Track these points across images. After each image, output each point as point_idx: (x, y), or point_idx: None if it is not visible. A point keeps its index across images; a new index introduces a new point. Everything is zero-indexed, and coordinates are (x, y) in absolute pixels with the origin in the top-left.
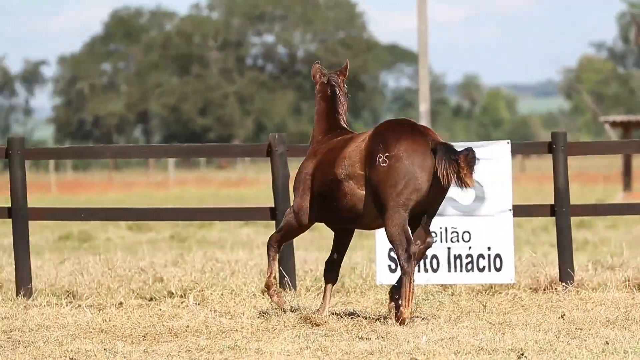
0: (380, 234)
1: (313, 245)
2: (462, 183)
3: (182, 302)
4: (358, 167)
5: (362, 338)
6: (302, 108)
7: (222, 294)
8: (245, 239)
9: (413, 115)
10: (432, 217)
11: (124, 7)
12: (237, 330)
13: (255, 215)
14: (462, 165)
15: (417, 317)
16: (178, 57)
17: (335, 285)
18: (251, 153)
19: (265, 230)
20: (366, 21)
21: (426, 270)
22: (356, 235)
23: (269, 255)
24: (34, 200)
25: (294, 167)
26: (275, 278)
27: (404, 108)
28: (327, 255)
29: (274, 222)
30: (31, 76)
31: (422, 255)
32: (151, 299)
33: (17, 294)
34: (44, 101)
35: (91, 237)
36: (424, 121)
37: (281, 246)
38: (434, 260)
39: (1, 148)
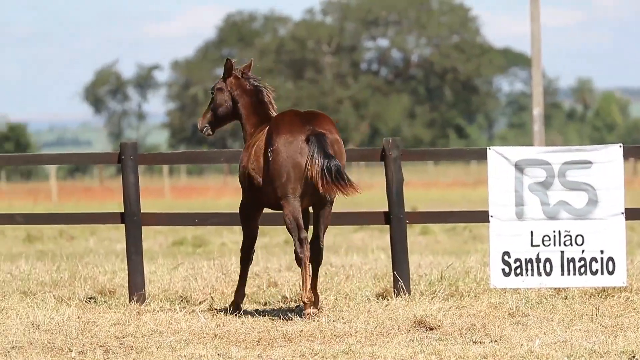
0: (494, 238)
1: (427, 249)
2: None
3: (296, 307)
4: (262, 161)
5: (475, 342)
6: (416, 112)
7: (336, 299)
8: (360, 244)
9: (526, 119)
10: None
11: (238, 12)
12: (351, 334)
13: (369, 220)
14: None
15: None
16: (292, 62)
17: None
18: (365, 157)
19: (380, 234)
20: (480, 25)
21: (539, 274)
22: (469, 240)
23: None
24: (147, 205)
25: (408, 170)
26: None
27: (517, 112)
28: (442, 259)
29: (388, 226)
30: (144, 81)
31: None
32: (265, 304)
33: (130, 299)
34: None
35: (205, 242)
36: (537, 125)
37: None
38: (547, 264)
39: (114, 153)
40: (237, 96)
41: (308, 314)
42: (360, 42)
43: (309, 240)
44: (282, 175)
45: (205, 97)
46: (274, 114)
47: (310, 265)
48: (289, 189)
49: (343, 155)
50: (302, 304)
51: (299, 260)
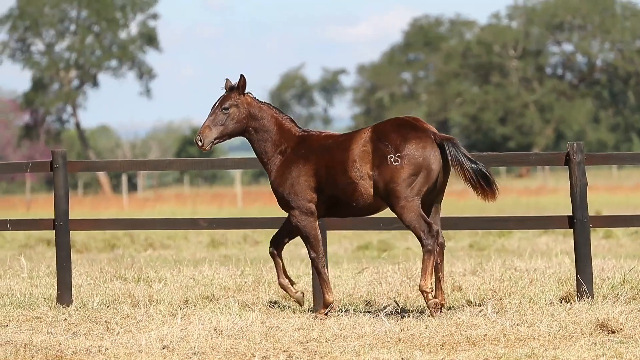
0: None
1: (610, 253)
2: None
3: (480, 311)
4: (368, 168)
5: None
6: (600, 116)
7: (520, 303)
8: (544, 248)
9: None
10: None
11: (424, 16)
12: (534, 338)
13: (553, 224)
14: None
15: None
16: (478, 66)
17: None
18: (549, 161)
19: (564, 238)
20: None
21: None
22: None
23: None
24: None
25: (591, 175)
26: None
27: None
28: (625, 262)
29: (571, 230)
30: (330, 85)
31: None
32: (450, 308)
33: (314, 304)
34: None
35: (391, 247)
36: None
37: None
38: None
39: None
40: (255, 114)
41: (435, 304)
42: (546, 46)
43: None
44: (411, 179)
45: (390, 101)
46: (298, 131)
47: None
48: (416, 191)
49: None
50: (427, 295)
51: (429, 253)
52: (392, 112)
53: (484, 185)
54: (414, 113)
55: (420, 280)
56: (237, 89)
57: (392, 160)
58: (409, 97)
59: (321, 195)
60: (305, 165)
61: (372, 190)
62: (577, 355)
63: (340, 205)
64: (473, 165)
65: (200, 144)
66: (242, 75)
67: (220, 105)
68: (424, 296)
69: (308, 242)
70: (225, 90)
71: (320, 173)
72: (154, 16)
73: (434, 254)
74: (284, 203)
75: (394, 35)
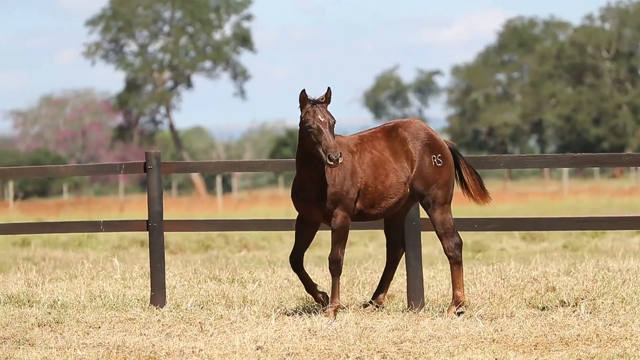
0: None
1: None
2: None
3: (573, 311)
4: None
5: None
6: None
7: (612, 303)
8: (637, 248)
9: None
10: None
11: (518, 17)
12: (626, 338)
13: None
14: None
15: None
16: (572, 67)
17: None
18: None
19: None
20: None
21: None
22: None
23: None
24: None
25: None
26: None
27: None
28: None
29: None
30: (425, 86)
31: None
32: (543, 308)
33: (409, 304)
34: (437, 111)
35: (485, 247)
36: None
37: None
38: None
39: None
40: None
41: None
42: (638, 47)
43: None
44: (450, 181)
45: (485, 102)
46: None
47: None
48: (450, 194)
49: None
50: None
51: (458, 262)
52: (487, 113)
53: (483, 189)
54: (508, 114)
55: (457, 291)
56: (327, 101)
57: (439, 161)
58: (503, 98)
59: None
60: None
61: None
62: None
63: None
64: (473, 170)
65: (340, 160)
66: (329, 88)
67: (333, 119)
68: (459, 306)
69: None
70: (311, 101)
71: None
72: (248, 17)
73: (462, 264)
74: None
75: (488, 37)
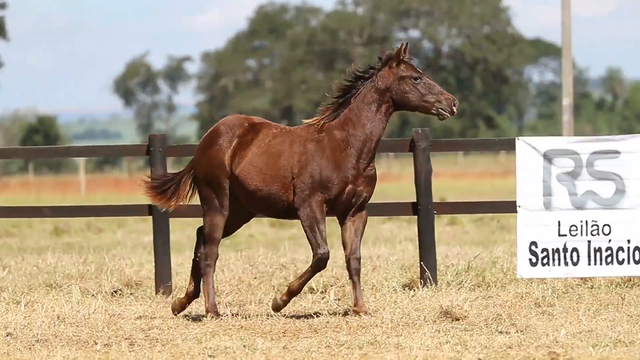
0: (522, 228)
1: (455, 239)
2: None
3: (322, 298)
4: None
5: (501, 332)
6: None
7: (363, 289)
8: (388, 234)
9: (556, 109)
10: None
11: (270, 3)
12: (377, 325)
13: (397, 211)
14: None
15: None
16: (323, 53)
17: None
18: (394, 148)
19: (408, 225)
20: (511, 16)
21: (566, 264)
22: (496, 230)
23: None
24: None
25: (437, 161)
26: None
27: (547, 102)
28: (469, 249)
29: (415, 217)
30: (174, 73)
31: None
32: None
33: (157, 291)
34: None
35: (233, 234)
36: (566, 115)
37: None
38: (574, 254)
39: (143, 145)
40: None
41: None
42: (392, 33)
43: None
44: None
45: (235, 88)
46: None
47: None
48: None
49: None
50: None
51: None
52: (237, 99)
53: None
54: (258, 100)
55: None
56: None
57: None
58: (253, 84)
59: None
60: None
61: None
62: (421, 343)
63: None
64: None
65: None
66: (406, 44)
67: None
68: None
69: None
70: (403, 56)
71: None
72: (2, 5)
73: None
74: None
75: (239, 23)
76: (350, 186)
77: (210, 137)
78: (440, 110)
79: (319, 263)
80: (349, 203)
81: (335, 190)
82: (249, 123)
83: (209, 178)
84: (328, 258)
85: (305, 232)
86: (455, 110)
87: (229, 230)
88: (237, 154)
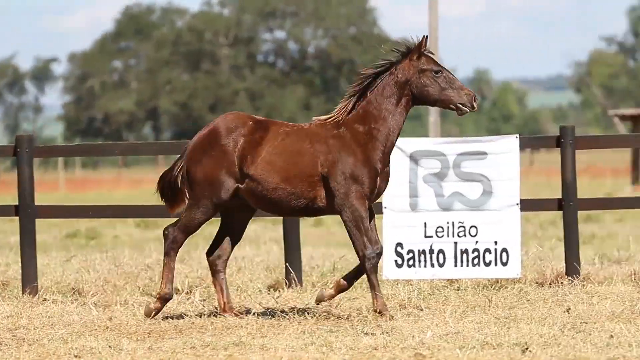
0: (387, 230)
1: (321, 240)
2: None
3: (187, 299)
4: None
5: (367, 333)
6: (311, 103)
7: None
8: (253, 235)
9: (423, 110)
10: None
11: (136, 4)
12: (242, 326)
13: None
14: None
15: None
16: (189, 54)
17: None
18: None
19: (273, 226)
20: (377, 17)
21: (432, 265)
22: None
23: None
24: (42, 198)
25: None
26: None
27: None
28: (335, 250)
29: (280, 218)
30: (41, 74)
31: None
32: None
33: (23, 292)
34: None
35: (99, 235)
36: (433, 116)
37: None
38: (441, 255)
39: (10, 146)
40: None
41: None
42: (258, 33)
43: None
44: None
45: (101, 89)
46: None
47: None
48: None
49: None
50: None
51: None
52: (103, 100)
53: None
54: (124, 101)
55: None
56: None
57: None
58: (119, 85)
59: None
60: None
61: None
62: (286, 344)
63: None
64: None
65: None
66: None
67: None
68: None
69: None
70: (424, 49)
71: None
72: None
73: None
74: None
75: (105, 24)
76: (378, 180)
77: (210, 137)
78: (459, 105)
79: (368, 264)
80: (373, 199)
81: (369, 185)
82: (252, 121)
83: (210, 179)
84: (381, 254)
85: (350, 232)
86: (476, 105)
87: (237, 236)
88: (247, 154)
